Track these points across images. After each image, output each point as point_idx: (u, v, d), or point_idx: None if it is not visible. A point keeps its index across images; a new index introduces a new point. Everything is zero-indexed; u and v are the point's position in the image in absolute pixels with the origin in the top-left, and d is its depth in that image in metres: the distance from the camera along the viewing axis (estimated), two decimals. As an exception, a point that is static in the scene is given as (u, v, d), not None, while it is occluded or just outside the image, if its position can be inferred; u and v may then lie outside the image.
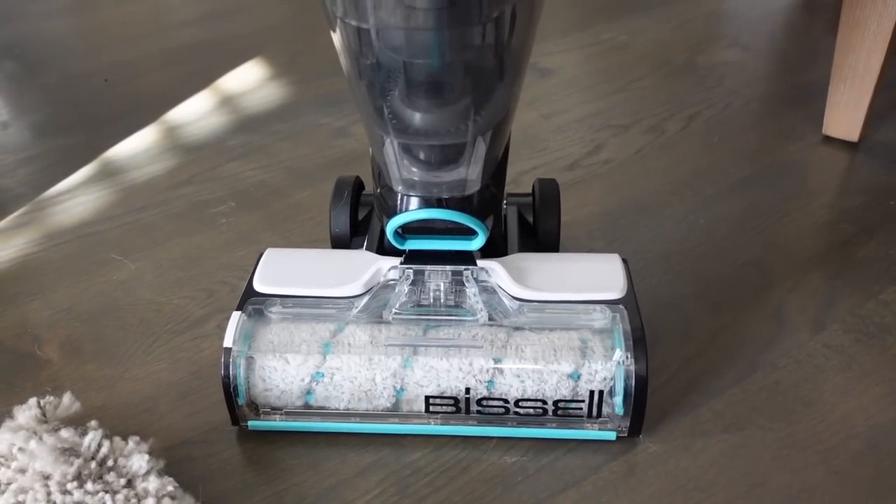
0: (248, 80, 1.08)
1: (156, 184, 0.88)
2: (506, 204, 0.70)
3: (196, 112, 1.01)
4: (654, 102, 1.00)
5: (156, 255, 0.77)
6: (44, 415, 0.54)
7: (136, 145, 0.95)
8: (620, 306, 0.58)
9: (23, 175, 0.90)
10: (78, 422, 0.54)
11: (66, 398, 0.56)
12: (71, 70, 1.13)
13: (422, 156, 0.55)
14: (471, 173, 0.55)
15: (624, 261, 0.62)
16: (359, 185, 0.70)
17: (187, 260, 0.77)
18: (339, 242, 0.68)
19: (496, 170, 0.58)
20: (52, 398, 0.56)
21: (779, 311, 0.69)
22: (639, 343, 0.55)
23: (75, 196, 0.86)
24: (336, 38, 0.50)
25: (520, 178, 0.86)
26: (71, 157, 0.93)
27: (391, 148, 0.54)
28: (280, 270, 0.61)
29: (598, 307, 0.58)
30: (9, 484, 0.50)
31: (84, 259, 0.77)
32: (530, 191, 0.71)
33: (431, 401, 0.57)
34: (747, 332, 0.67)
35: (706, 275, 0.74)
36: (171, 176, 0.89)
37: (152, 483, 0.50)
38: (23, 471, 0.50)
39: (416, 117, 0.52)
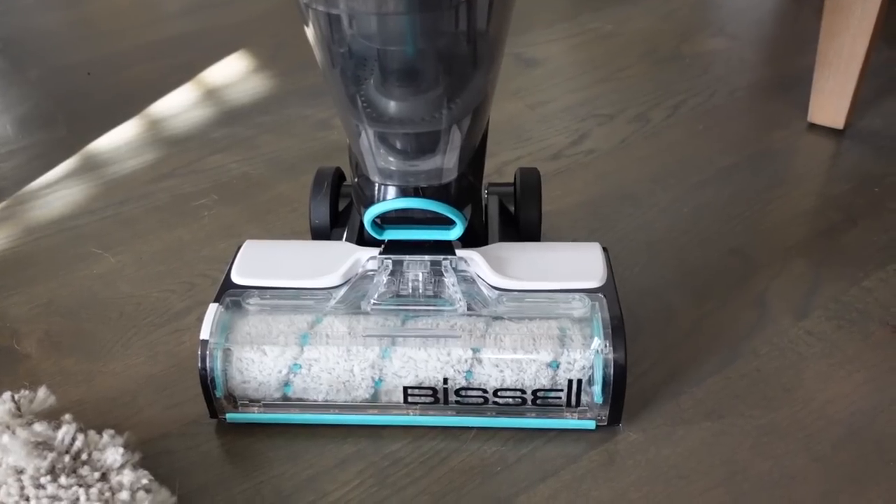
0: (232, 72, 1.08)
1: (138, 177, 0.88)
2: (487, 194, 0.69)
3: (179, 105, 1.01)
4: (640, 91, 1.00)
5: (137, 249, 0.77)
6: (18, 409, 0.54)
7: (119, 138, 0.94)
8: (600, 295, 0.57)
9: (5, 169, 0.90)
10: (54, 416, 0.54)
11: (42, 392, 0.55)
12: (54, 63, 1.13)
13: (397, 144, 0.54)
14: (447, 162, 0.55)
15: (604, 249, 0.61)
16: (339, 176, 0.70)
17: (168, 253, 0.76)
18: (319, 233, 0.67)
19: (473, 158, 0.58)
20: (27, 392, 0.55)
21: (762, 299, 0.69)
22: (617, 331, 0.55)
23: (57, 190, 0.86)
24: (307, 27, 0.50)
25: (504, 169, 0.86)
26: (53, 151, 0.92)
27: (366, 137, 0.54)
28: (258, 262, 0.61)
29: (577, 296, 0.58)
30: (-18, 479, 0.49)
31: (64, 253, 0.77)
32: (512, 180, 0.70)
33: (410, 391, 0.56)
34: (730, 320, 0.67)
35: (690, 263, 0.73)
36: (154, 169, 0.89)
37: (127, 476, 0.50)
38: (-4, 465, 0.50)
39: (390, 105, 0.51)
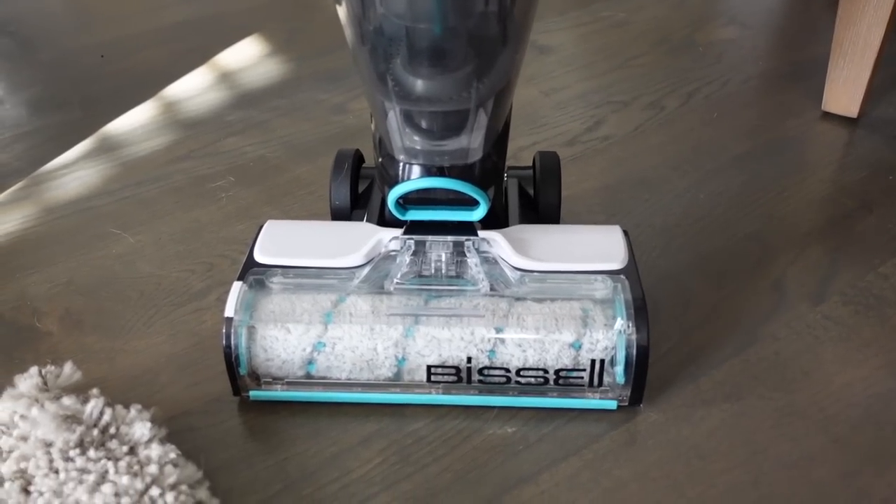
0: (246, 56, 1.08)
1: (154, 159, 0.88)
2: (506, 177, 0.70)
3: (194, 88, 1.01)
4: (654, 79, 1.00)
5: (155, 229, 0.77)
6: (45, 383, 0.54)
7: (134, 121, 0.94)
8: (622, 276, 0.58)
9: (19, 150, 0.90)
10: (79, 391, 0.54)
11: (68, 367, 0.56)
12: (67, 46, 1.13)
13: (424, 123, 0.54)
14: (473, 142, 0.55)
15: (625, 232, 0.62)
16: (359, 157, 0.70)
17: (187, 234, 0.77)
18: (339, 215, 0.68)
19: (498, 140, 0.58)
20: (53, 367, 0.55)
21: (779, 284, 0.69)
22: (640, 312, 0.55)
23: (73, 171, 0.86)
24: (339, 5, 0.50)
25: (520, 154, 0.86)
26: (68, 133, 0.92)
27: (393, 115, 0.54)
28: (281, 242, 0.61)
29: (599, 277, 0.58)
30: (11, 451, 0.50)
31: (83, 233, 0.77)
32: (531, 164, 0.71)
33: (433, 370, 0.57)
34: (747, 304, 0.67)
35: (706, 248, 0.74)
36: (170, 151, 0.89)
37: (154, 450, 0.50)
38: (24, 438, 0.50)
39: (419, 83, 0.51)
